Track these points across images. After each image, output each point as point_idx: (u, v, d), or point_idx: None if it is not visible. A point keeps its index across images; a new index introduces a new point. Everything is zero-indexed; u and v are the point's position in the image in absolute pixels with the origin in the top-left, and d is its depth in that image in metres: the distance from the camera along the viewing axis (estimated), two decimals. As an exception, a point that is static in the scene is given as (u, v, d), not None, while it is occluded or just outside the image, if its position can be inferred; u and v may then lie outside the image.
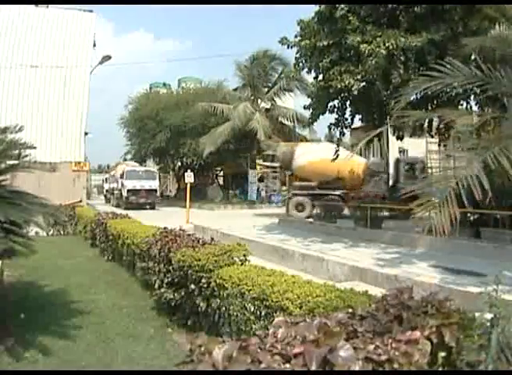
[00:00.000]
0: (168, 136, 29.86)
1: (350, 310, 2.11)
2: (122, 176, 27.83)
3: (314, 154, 18.23)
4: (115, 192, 30.49)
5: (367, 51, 9.99)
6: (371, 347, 1.63)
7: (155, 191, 28.05)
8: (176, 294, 5.45)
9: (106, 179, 39.10)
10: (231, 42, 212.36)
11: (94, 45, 20.64)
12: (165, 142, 30.11)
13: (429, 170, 15.12)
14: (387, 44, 9.86)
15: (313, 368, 1.46)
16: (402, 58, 10.26)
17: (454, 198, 4.42)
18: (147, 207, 26.93)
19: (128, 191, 26.80)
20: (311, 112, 12.93)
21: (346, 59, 11.04)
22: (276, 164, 19.28)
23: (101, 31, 79.88)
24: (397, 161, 17.47)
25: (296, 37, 12.23)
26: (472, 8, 9.69)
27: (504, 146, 4.40)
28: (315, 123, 14.53)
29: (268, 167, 19.97)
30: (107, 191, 36.54)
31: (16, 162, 5.54)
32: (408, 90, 6.39)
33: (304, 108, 13.64)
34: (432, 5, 10.06)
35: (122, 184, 27.35)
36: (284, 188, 19.56)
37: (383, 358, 1.58)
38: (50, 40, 19.42)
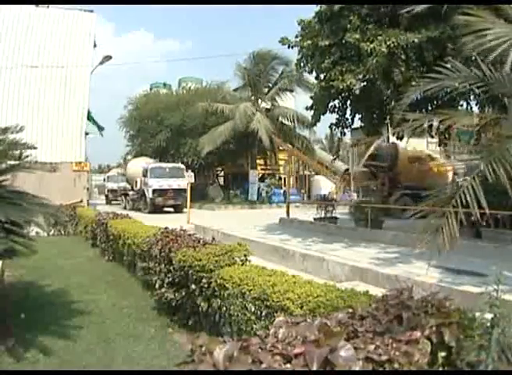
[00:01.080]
0: (168, 135, 29.87)
1: (351, 310, 2.12)
2: (145, 175, 23.76)
3: (413, 154, 18.45)
4: (131, 193, 26.62)
5: (368, 50, 10.00)
6: (372, 347, 1.63)
7: (184, 190, 23.30)
8: (176, 294, 5.45)
9: (108, 177, 35.80)
10: (231, 42, 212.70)
11: (95, 45, 20.70)
12: (165, 141, 30.13)
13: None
14: (388, 43, 9.88)
15: (314, 368, 1.46)
16: (403, 56, 10.27)
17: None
18: (174, 210, 23.48)
19: (154, 191, 23.00)
20: (313, 114, 12.93)
21: (348, 59, 11.05)
22: (384, 164, 18.95)
23: (101, 31, 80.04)
24: None
25: (296, 37, 12.23)
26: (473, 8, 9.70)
27: (501, 153, 4.40)
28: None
29: (376, 166, 19.54)
30: (110, 191, 33.67)
31: (16, 162, 5.54)
32: (409, 93, 6.41)
33: (307, 109, 13.66)
34: (432, 4, 10.07)
35: (146, 183, 23.29)
36: (385, 188, 19.31)
37: (384, 358, 1.58)
38: (50, 40, 19.46)
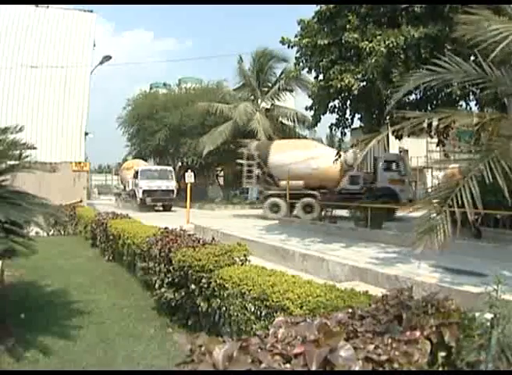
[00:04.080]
0: (167, 134, 29.84)
1: (351, 310, 2.12)
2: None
3: None
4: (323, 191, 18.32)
5: (367, 49, 9.99)
6: (371, 347, 1.63)
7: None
8: (176, 294, 5.45)
9: (141, 173, 26.07)
10: (231, 42, 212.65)
11: (94, 45, 20.70)
12: (164, 141, 30.13)
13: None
14: (387, 42, 9.86)
15: (313, 368, 1.46)
16: (402, 56, 10.26)
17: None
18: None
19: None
20: (313, 114, 12.91)
21: (347, 58, 11.04)
22: None
23: (101, 31, 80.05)
24: None
25: (296, 36, 12.23)
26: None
27: (500, 153, 4.38)
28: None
29: None
30: (145, 192, 25.14)
31: (16, 162, 5.54)
32: (408, 82, 6.35)
33: (306, 109, 13.64)
34: (432, 4, 10.07)
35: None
36: None
37: (383, 358, 1.58)
38: (50, 40, 19.48)
